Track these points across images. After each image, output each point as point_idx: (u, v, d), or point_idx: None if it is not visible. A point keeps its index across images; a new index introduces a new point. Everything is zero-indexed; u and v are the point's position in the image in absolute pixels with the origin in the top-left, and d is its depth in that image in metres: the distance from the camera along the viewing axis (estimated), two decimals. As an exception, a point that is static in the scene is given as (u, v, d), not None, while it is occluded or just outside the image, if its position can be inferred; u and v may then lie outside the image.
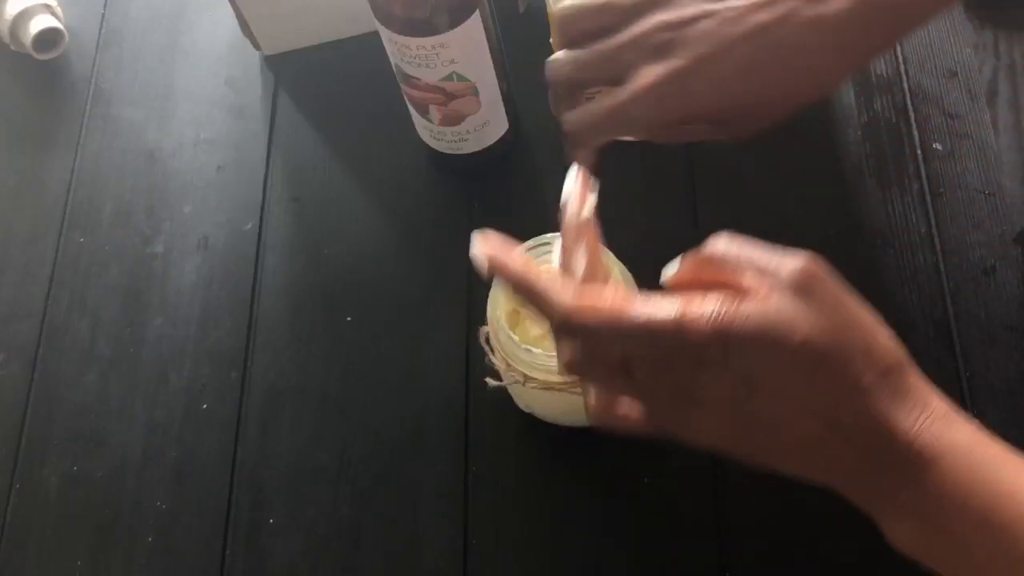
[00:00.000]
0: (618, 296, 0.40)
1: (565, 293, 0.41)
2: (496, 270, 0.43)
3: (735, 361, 0.37)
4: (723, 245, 0.41)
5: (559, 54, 0.50)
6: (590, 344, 0.41)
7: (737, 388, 0.38)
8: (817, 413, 0.37)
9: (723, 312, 0.37)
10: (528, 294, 0.42)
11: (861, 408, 0.37)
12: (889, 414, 0.37)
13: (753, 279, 0.39)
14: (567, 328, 0.41)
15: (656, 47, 0.46)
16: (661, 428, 0.42)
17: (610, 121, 0.48)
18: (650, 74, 0.46)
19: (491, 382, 0.59)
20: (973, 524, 0.37)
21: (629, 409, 0.43)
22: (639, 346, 0.40)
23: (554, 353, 0.54)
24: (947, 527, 0.37)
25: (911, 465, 0.37)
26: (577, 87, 0.50)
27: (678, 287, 0.42)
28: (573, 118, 0.50)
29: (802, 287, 0.37)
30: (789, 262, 0.38)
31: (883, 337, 0.38)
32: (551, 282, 0.42)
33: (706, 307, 0.37)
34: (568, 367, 0.42)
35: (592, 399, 0.44)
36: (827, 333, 0.37)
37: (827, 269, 0.39)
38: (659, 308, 0.39)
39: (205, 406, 0.65)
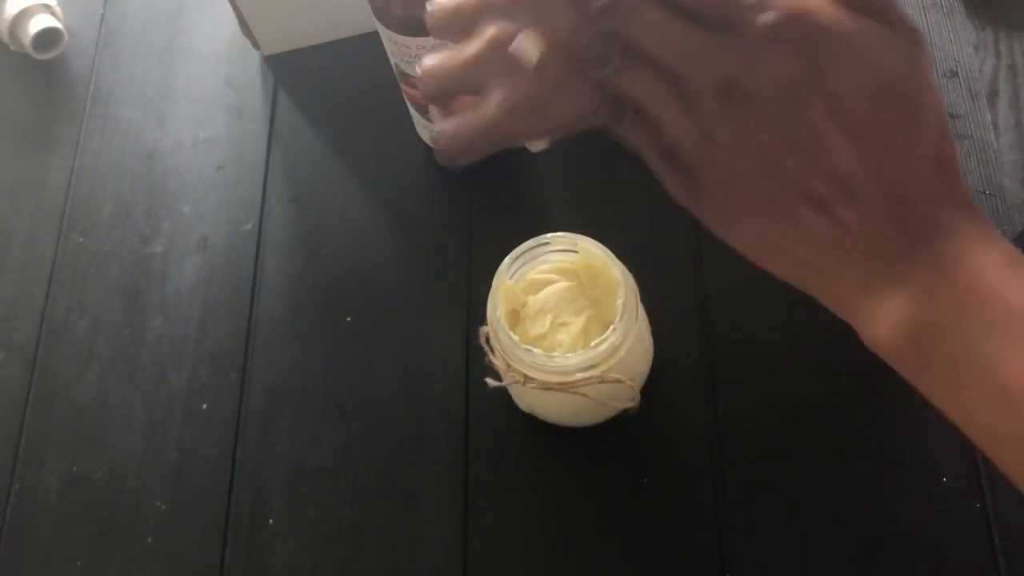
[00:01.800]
0: None
1: None
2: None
3: (815, 53, 0.32)
4: None
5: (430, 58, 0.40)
6: None
7: (794, 88, 0.32)
8: (868, 146, 0.33)
9: None
10: None
11: (920, 167, 0.33)
12: (941, 189, 0.33)
13: None
14: None
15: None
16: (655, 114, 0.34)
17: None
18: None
19: (491, 382, 0.59)
20: (995, 334, 0.32)
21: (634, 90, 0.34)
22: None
23: (554, 353, 0.54)
24: (963, 326, 0.32)
25: (944, 244, 0.33)
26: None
27: None
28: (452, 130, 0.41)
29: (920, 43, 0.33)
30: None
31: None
32: None
33: None
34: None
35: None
36: (924, 81, 0.33)
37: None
38: None
39: (205, 406, 0.65)
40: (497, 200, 0.69)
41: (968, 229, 0.33)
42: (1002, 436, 0.33)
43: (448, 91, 0.39)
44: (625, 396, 0.57)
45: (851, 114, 0.32)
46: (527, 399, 0.59)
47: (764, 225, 0.34)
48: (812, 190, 0.33)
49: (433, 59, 0.38)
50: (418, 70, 0.39)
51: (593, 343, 0.53)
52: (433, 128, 0.67)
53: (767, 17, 0.32)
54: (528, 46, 0.34)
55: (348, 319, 0.67)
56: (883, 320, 0.34)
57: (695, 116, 0.33)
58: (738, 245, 0.35)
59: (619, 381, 0.54)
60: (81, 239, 0.72)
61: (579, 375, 0.53)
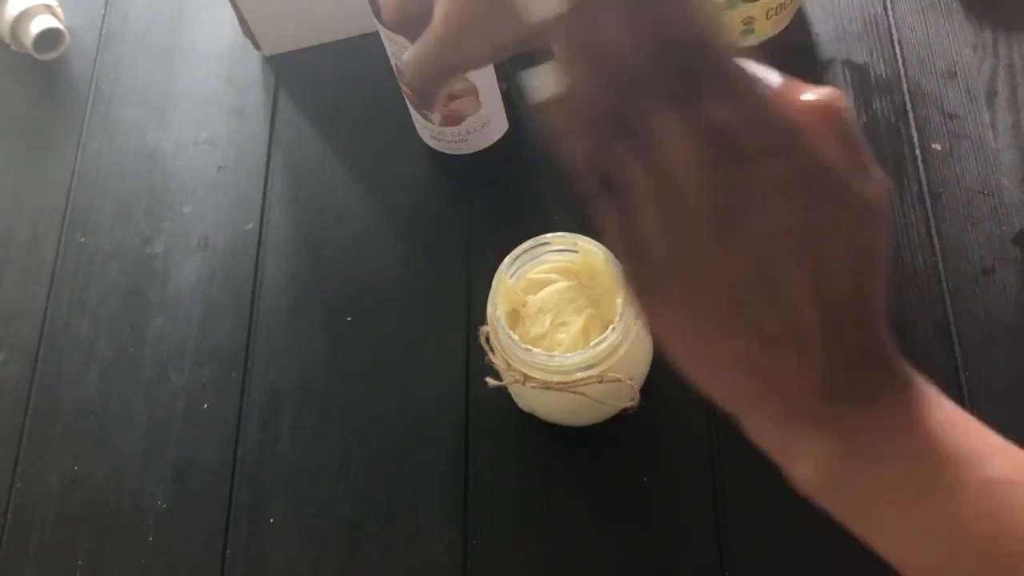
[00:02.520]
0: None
1: None
2: None
3: (828, 214, 0.31)
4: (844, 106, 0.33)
5: None
6: (626, 61, 0.31)
7: (793, 238, 0.31)
8: (832, 307, 0.32)
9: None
10: None
11: (878, 317, 0.33)
12: (875, 331, 0.34)
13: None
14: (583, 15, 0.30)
15: None
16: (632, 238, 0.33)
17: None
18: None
19: (491, 382, 0.59)
20: (918, 472, 0.33)
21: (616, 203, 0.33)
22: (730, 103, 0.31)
23: (554, 352, 0.54)
24: (886, 466, 0.34)
25: (875, 383, 0.33)
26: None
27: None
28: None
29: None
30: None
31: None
32: None
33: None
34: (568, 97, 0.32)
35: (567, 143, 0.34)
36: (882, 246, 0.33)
37: None
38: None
39: (205, 406, 0.65)
40: (497, 200, 0.70)
41: (899, 380, 0.34)
42: (930, 572, 0.34)
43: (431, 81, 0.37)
44: (625, 396, 0.57)
45: (825, 273, 0.32)
46: (527, 399, 0.59)
47: (706, 342, 0.34)
48: (765, 329, 0.33)
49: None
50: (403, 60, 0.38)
51: (593, 343, 0.53)
52: (433, 129, 0.67)
53: (784, 165, 0.31)
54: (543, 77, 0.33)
55: (348, 319, 0.67)
56: (809, 459, 0.35)
57: (678, 222, 0.32)
58: (669, 349, 0.35)
59: (619, 380, 0.54)
60: (82, 239, 0.73)
61: (579, 374, 0.54)
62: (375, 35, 0.62)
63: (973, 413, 0.35)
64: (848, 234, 0.32)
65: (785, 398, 0.34)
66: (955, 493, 0.32)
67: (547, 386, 0.54)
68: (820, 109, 0.32)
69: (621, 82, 0.31)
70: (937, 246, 0.64)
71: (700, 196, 0.32)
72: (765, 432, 0.36)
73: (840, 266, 0.32)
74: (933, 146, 0.67)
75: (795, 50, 0.71)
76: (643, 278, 0.34)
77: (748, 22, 0.68)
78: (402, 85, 0.65)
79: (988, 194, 0.65)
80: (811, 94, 0.33)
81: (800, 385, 0.33)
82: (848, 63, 0.71)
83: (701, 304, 0.33)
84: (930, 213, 0.65)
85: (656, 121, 0.31)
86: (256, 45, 0.77)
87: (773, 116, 0.31)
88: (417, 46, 0.36)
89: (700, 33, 0.31)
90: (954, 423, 0.34)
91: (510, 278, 0.56)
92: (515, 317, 0.57)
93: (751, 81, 0.31)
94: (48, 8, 0.78)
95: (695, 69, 0.31)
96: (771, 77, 0.32)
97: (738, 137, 0.31)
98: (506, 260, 0.56)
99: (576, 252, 0.56)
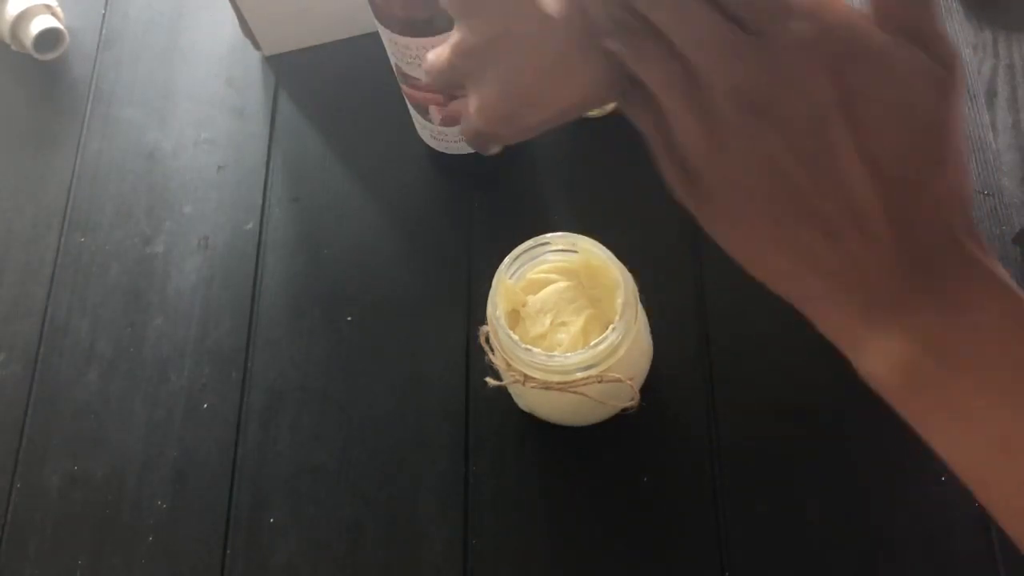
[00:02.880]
0: None
1: None
2: None
3: (850, 74, 0.30)
4: None
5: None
6: None
7: (820, 107, 0.30)
8: (887, 179, 0.31)
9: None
10: None
11: (940, 203, 0.31)
12: (957, 228, 0.32)
13: None
14: None
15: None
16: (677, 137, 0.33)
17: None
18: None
19: (491, 382, 0.59)
20: (996, 383, 0.31)
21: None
22: None
23: (554, 352, 0.54)
24: (965, 371, 0.31)
25: (955, 284, 0.31)
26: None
27: None
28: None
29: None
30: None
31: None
32: None
33: None
34: None
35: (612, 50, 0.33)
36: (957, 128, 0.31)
37: None
38: None
39: (205, 406, 0.65)
40: (497, 200, 0.70)
41: (980, 274, 0.32)
42: (996, 486, 0.32)
43: (453, 80, 0.37)
44: (625, 395, 0.57)
45: (875, 144, 0.30)
46: (527, 399, 0.59)
47: (765, 240, 0.33)
48: (821, 214, 0.31)
49: (437, 50, 0.37)
50: (427, 60, 0.38)
51: (593, 343, 0.53)
52: (433, 128, 0.67)
53: (805, 27, 0.30)
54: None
55: (348, 319, 0.67)
56: (882, 357, 0.32)
57: (707, 116, 0.31)
58: (734, 253, 0.34)
59: (619, 380, 0.54)
60: (82, 239, 0.73)
61: (579, 374, 0.54)
62: (375, 35, 0.62)
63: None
64: (899, 103, 0.31)
65: (856, 288, 0.32)
66: None
67: (547, 386, 0.54)
68: None
69: None
70: (937, 246, 0.64)
71: (725, 80, 0.31)
72: (834, 325, 0.33)
73: (893, 138, 0.31)
74: (933, 146, 0.67)
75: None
76: (692, 187, 0.33)
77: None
78: (402, 85, 0.65)
79: (988, 194, 0.65)
80: None
81: (869, 271, 0.31)
82: (848, 63, 0.71)
83: (753, 199, 0.32)
84: (930, 213, 0.65)
85: (656, 6, 0.31)
86: (256, 45, 0.77)
87: None
88: (468, 115, 0.37)
89: None
90: None
91: (510, 278, 0.56)
92: (515, 317, 0.57)
93: None
94: (48, 8, 0.78)
95: None
96: None
97: (755, 7, 0.30)
98: (506, 260, 0.56)
99: (576, 252, 0.56)
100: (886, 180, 0.31)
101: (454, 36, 0.37)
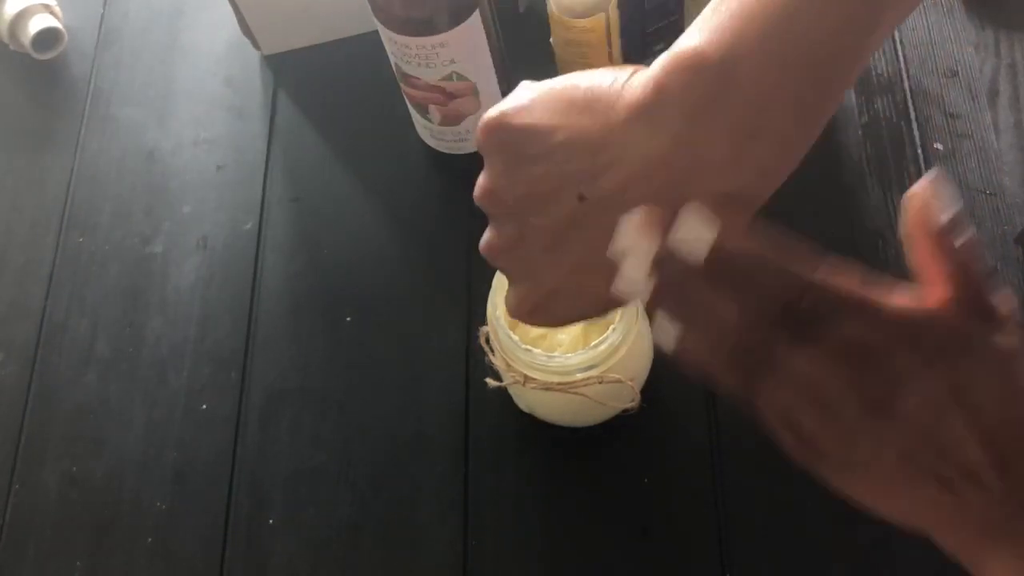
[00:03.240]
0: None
1: None
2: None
3: (959, 374, 0.34)
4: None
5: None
6: None
7: (938, 405, 0.33)
8: (997, 443, 0.34)
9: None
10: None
11: None
12: None
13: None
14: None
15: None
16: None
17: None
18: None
19: (491, 382, 0.59)
20: None
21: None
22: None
23: (554, 353, 0.54)
24: None
25: None
26: None
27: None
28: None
29: None
30: None
31: None
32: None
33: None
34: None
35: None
36: None
37: None
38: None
39: (205, 406, 0.65)
40: (497, 200, 0.69)
41: None
42: None
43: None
44: (625, 396, 0.57)
45: (986, 420, 0.33)
46: (527, 399, 0.59)
47: (890, 492, 0.36)
48: (941, 476, 0.34)
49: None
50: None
51: (593, 343, 0.53)
52: (433, 128, 0.67)
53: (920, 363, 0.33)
54: (662, 332, 0.35)
55: (348, 319, 0.67)
56: None
57: (834, 427, 0.34)
58: (855, 501, 0.36)
59: (619, 381, 0.54)
60: (81, 239, 0.72)
61: (579, 375, 0.53)
62: (375, 35, 0.62)
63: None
64: (993, 381, 0.33)
65: (971, 527, 0.35)
66: None
67: (547, 387, 0.54)
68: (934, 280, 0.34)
69: (728, 334, 0.34)
70: (938, 246, 0.64)
71: (845, 400, 0.34)
72: (955, 549, 0.36)
73: (995, 409, 0.33)
74: (935, 146, 0.67)
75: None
76: (820, 462, 0.36)
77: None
78: (402, 85, 0.65)
79: (990, 194, 0.65)
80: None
81: (984, 516, 0.34)
82: (849, 62, 0.70)
83: (878, 470, 0.35)
84: (931, 213, 0.65)
85: (780, 352, 0.34)
86: (255, 44, 0.77)
87: (890, 316, 0.33)
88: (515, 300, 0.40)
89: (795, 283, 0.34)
90: None
91: (510, 278, 0.56)
92: (515, 317, 0.57)
93: (856, 298, 0.34)
94: (46, 7, 0.78)
95: (797, 307, 0.34)
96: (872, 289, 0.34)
97: (861, 346, 0.33)
98: (506, 260, 0.56)
99: (576, 252, 0.56)
100: (996, 444, 0.34)
101: (488, 233, 0.40)
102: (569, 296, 0.39)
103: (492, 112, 0.38)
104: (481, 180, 0.39)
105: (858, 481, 0.36)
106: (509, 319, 0.55)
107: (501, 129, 0.37)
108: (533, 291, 0.39)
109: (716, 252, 0.34)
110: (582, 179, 0.36)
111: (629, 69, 0.36)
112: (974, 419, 0.33)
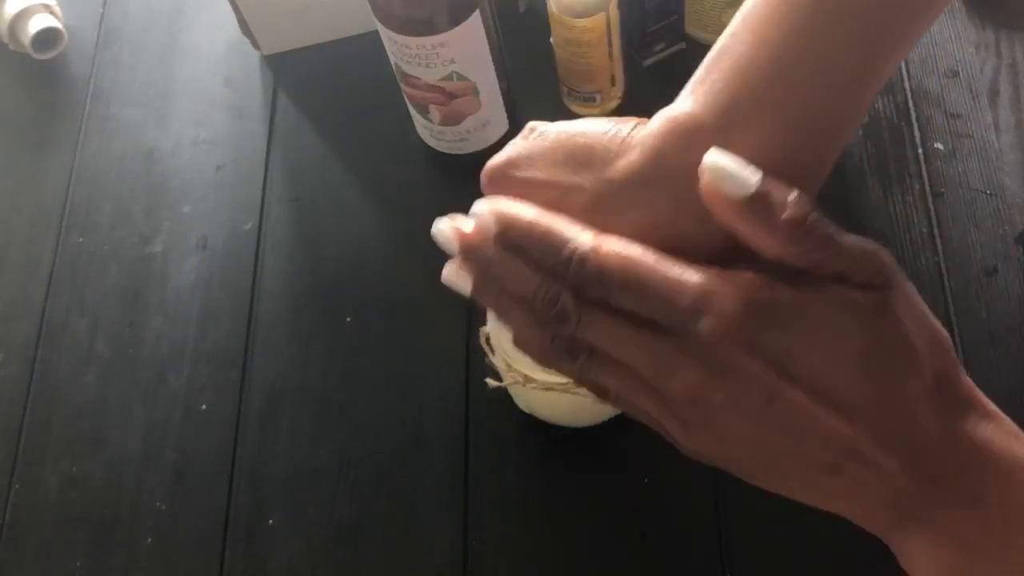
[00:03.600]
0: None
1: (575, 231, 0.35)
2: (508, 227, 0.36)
3: (770, 344, 0.32)
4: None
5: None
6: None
7: (760, 382, 0.32)
8: (859, 412, 0.32)
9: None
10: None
11: (921, 406, 0.32)
12: (952, 416, 0.32)
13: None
14: (581, 273, 0.34)
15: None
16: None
17: None
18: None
19: (491, 382, 0.58)
20: None
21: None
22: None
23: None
24: (1003, 560, 0.32)
25: (971, 478, 0.32)
26: None
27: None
28: None
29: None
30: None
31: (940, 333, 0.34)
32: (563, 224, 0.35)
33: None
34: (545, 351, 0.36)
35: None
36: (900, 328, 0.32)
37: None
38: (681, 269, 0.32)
39: (204, 406, 0.65)
40: (497, 200, 0.69)
41: (989, 447, 0.32)
42: None
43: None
44: (625, 396, 0.57)
45: (831, 389, 0.31)
46: (527, 399, 0.59)
47: (779, 486, 0.34)
48: (815, 458, 0.32)
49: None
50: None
51: (593, 343, 0.53)
52: (433, 128, 0.67)
53: (703, 325, 0.31)
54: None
55: (348, 319, 0.67)
56: (924, 565, 0.33)
57: (671, 410, 0.33)
58: (753, 483, 0.35)
59: (619, 381, 0.54)
60: (81, 239, 0.72)
61: (579, 375, 0.53)
62: (375, 35, 0.62)
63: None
64: (834, 348, 0.32)
65: (881, 507, 0.33)
66: None
67: (547, 387, 0.54)
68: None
69: (544, 314, 0.34)
70: (939, 246, 0.64)
71: (662, 383, 0.33)
72: (876, 531, 0.34)
73: (835, 374, 0.31)
74: (935, 146, 0.67)
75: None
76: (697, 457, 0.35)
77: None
78: (402, 85, 0.65)
79: (991, 194, 0.65)
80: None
81: (884, 491, 0.32)
82: (849, 62, 0.70)
83: (749, 464, 0.34)
84: (932, 213, 0.65)
85: (591, 338, 0.34)
86: (255, 44, 0.77)
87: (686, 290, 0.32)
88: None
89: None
90: None
91: (510, 278, 0.56)
92: (515, 317, 0.57)
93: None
94: (46, 7, 0.78)
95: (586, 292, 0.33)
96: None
97: (662, 314, 0.32)
98: (506, 260, 0.56)
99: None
100: (859, 414, 0.32)
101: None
102: None
103: (497, 160, 0.38)
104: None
105: (740, 474, 0.35)
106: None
107: (504, 179, 0.38)
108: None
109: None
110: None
111: (631, 123, 0.36)
112: (812, 389, 0.31)
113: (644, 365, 0.33)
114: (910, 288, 0.33)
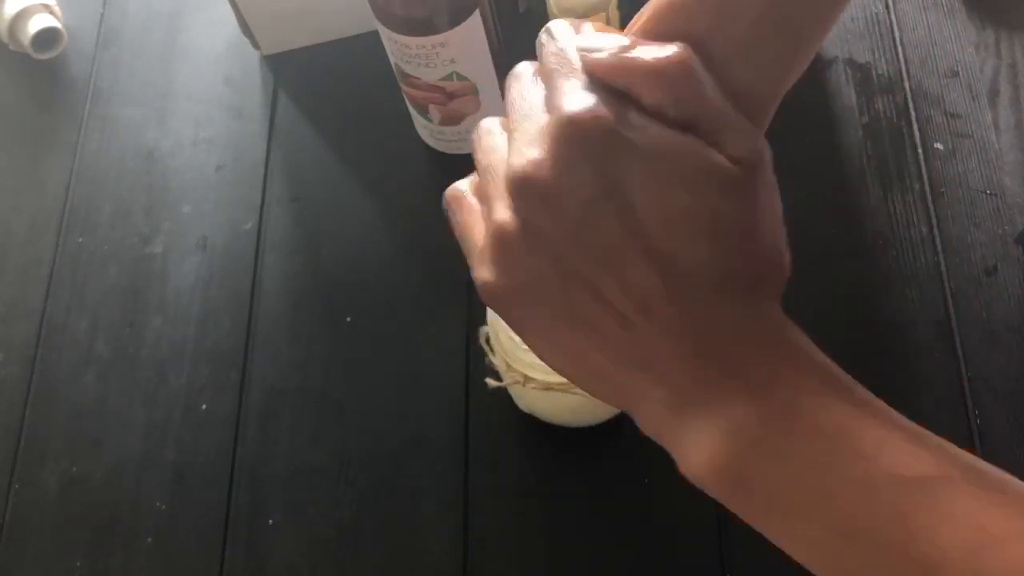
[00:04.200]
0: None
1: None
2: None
3: (611, 164, 0.30)
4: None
5: None
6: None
7: (587, 196, 0.30)
8: (668, 270, 0.30)
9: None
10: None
11: (736, 296, 0.31)
12: (760, 309, 0.31)
13: None
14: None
15: None
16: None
17: None
18: None
19: (491, 382, 0.58)
20: (822, 465, 0.29)
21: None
22: None
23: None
24: (787, 458, 0.30)
25: (762, 371, 0.30)
26: None
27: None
28: None
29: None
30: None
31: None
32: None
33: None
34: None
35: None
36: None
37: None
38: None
39: (204, 406, 0.65)
40: (497, 200, 0.69)
41: (783, 355, 0.31)
42: (842, 573, 0.30)
43: None
44: (625, 396, 0.57)
45: (652, 236, 0.30)
46: (527, 399, 0.59)
47: (564, 339, 0.32)
48: (611, 302, 0.31)
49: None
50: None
51: (593, 343, 0.53)
52: (433, 128, 0.67)
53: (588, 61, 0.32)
54: None
55: (348, 319, 0.67)
56: (699, 452, 0.31)
57: (490, 222, 0.34)
58: (543, 354, 0.34)
59: (619, 381, 0.54)
60: (80, 239, 0.72)
61: (579, 375, 0.53)
62: (375, 34, 0.62)
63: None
64: (674, 201, 0.30)
65: (662, 382, 0.31)
66: (866, 492, 0.29)
67: (547, 387, 0.54)
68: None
69: None
70: (939, 246, 0.64)
71: (496, 171, 0.34)
72: (653, 426, 0.33)
73: (658, 223, 0.30)
74: (935, 146, 0.67)
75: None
76: (493, 294, 0.35)
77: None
78: (402, 84, 0.65)
79: (991, 194, 0.65)
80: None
81: (671, 364, 0.31)
82: (850, 62, 0.70)
83: (539, 287, 0.32)
84: (932, 213, 0.65)
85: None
86: (255, 44, 0.77)
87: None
88: None
89: None
90: (864, 411, 0.30)
91: (510, 278, 0.56)
92: (515, 317, 0.57)
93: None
94: (46, 7, 0.78)
95: None
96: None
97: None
98: (506, 260, 0.56)
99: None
100: (667, 272, 0.30)
101: None
102: None
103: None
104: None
105: (526, 321, 0.33)
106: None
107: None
108: None
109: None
110: None
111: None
112: (632, 226, 0.30)
113: (484, 153, 0.36)
114: (774, 189, 0.32)
